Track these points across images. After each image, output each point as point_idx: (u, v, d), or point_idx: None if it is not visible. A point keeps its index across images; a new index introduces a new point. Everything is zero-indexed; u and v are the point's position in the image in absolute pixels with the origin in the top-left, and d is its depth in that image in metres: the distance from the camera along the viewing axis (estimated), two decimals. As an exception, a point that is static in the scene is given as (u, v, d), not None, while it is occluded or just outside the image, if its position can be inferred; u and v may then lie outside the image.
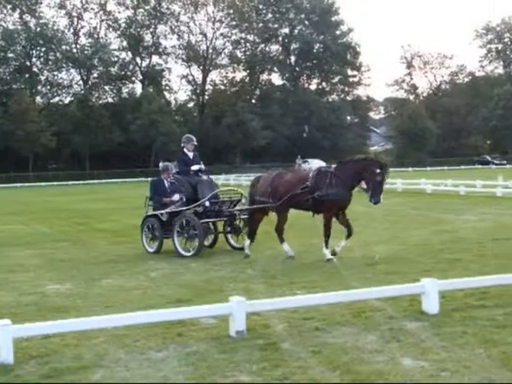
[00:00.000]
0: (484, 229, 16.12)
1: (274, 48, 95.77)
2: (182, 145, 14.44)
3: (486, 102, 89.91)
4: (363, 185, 12.18)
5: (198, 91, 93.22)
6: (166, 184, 14.10)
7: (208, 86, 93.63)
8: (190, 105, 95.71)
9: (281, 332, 7.10)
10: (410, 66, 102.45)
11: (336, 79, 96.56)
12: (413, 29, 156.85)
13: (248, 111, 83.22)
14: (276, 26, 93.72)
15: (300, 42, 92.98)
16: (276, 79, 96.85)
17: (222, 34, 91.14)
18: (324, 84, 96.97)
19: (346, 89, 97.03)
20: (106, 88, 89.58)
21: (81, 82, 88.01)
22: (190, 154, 14.30)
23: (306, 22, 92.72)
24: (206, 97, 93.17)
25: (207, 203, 13.47)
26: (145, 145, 79.50)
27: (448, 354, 6.16)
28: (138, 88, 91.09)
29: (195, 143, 14.39)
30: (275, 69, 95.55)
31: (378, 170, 11.83)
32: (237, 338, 6.77)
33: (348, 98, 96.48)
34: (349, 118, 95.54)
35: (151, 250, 13.88)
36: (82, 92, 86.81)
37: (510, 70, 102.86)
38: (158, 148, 78.68)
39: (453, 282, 8.25)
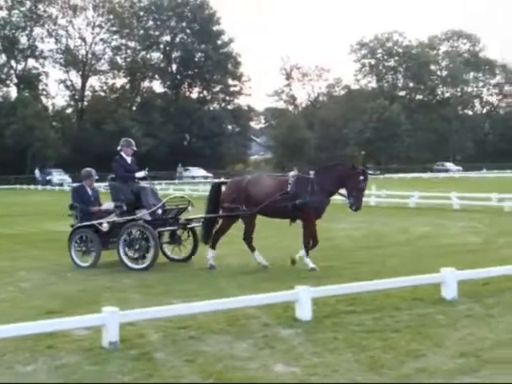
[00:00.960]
0: (358, 237, 16.68)
1: (156, 55, 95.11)
2: (120, 148, 13.20)
3: (361, 114, 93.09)
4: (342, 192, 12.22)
5: (76, 97, 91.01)
6: (89, 191, 13.27)
7: (87, 92, 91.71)
8: (69, 111, 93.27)
9: (155, 342, 7.04)
10: (289, 77, 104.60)
11: (217, 88, 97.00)
12: (292, 41, 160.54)
13: (129, 118, 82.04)
14: (157, 33, 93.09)
15: (181, 50, 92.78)
16: (157, 87, 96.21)
17: (101, 40, 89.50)
18: (205, 93, 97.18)
19: (227, 98, 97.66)
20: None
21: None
22: (128, 159, 13.15)
23: (188, 31, 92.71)
24: (86, 103, 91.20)
25: (160, 211, 12.58)
26: (20, 150, 76.57)
27: (319, 359, 6.32)
28: (13, 92, 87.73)
29: (135, 148, 13.37)
30: (156, 76, 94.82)
31: (362, 177, 11.85)
32: (110, 348, 6.65)
33: (229, 107, 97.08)
34: (230, 126, 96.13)
35: (84, 265, 12.56)
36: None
37: (383, 84, 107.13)
38: (34, 154, 76.16)
39: (325, 289, 8.46)
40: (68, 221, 13.56)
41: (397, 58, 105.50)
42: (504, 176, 60.94)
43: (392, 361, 6.21)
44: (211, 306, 7.66)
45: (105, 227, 12.66)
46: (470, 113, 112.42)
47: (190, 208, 13.20)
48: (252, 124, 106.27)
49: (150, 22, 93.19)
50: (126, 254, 12.42)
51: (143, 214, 12.48)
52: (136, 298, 9.58)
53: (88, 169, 13.72)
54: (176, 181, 65.06)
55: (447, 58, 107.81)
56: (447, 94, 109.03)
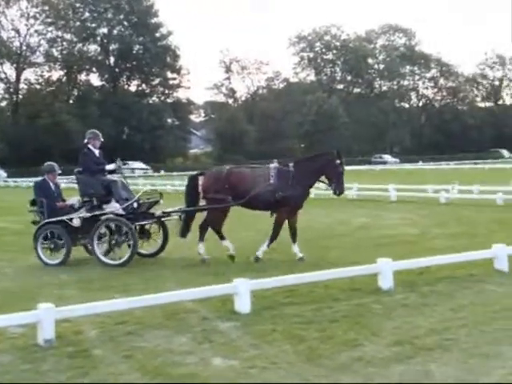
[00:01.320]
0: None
1: (93, 48, 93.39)
2: (86, 141, 12.78)
3: (300, 107, 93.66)
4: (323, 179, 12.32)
5: (11, 90, 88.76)
6: (52, 186, 12.71)
7: (22, 85, 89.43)
8: (3, 104, 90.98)
9: (93, 338, 6.95)
10: (228, 70, 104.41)
11: (156, 81, 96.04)
12: (231, 34, 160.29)
13: (65, 112, 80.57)
14: (94, 25, 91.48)
15: (119, 42, 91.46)
16: (95, 80, 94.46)
17: (36, 31, 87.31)
18: (144, 86, 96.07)
19: (167, 91, 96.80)
20: None
21: None
22: (96, 152, 12.76)
23: (125, 23, 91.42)
24: (21, 96, 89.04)
25: (135, 204, 12.27)
26: (-48, 145, 74.48)
27: (257, 351, 6.35)
28: None
29: (102, 139, 13.00)
30: (94, 69, 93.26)
31: (338, 161, 12.05)
32: (45, 346, 6.54)
33: (168, 101, 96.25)
34: (169, 120, 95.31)
35: (53, 262, 12.09)
36: None
37: (321, 77, 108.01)
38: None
39: (264, 281, 8.49)
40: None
41: (335, 51, 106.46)
42: (439, 168, 62.25)
43: (330, 351, 6.29)
44: (149, 301, 7.60)
45: (76, 223, 12.24)
46: (407, 106, 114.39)
47: (161, 201, 12.97)
48: (192, 117, 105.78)
49: (87, 14, 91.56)
50: (101, 250, 12.14)
51: (117, 208, 12.16)
52: (75, 294, 9.45)
53: (50, 162, 13.20)
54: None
55: (384, 51, 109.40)
56: (384, 88, 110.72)
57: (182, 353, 6.34)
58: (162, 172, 69.75)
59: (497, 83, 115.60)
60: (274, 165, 12.34)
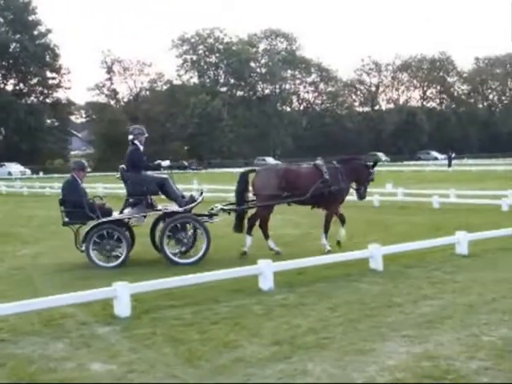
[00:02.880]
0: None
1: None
2: (132, 137, 12.11)
3: (183, 109, 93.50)
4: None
5: None
6: (81, 185, 11.81)
7: None
8: None
9: (-38, 347, 6.64)
10: (110, 71, 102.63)
11: (34, 81, 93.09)
12: (113, 34, 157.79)
13: None
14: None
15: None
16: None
17: None
18: (22, 85, 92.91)
19: (46, 91, 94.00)
20: None
21: None
22: (141, 148, 12.14)
23: (1, 20, 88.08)
24: None
25: (200, 199, 12.18)
26: None
27: (137, 355, 6.28)
28: None
29: (147, 134, 12.36)
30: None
31: (372, 170, 13.25)
32: None
33: (48, 101, 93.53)
34: (49, 121, 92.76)
35: (110, 265, 11.39)
36: None
37: (205, 80, 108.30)
38: None
39: (144, 284, 8.38)
40: None
41: (218, 54, 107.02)
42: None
43: (209, 352, 6.30)
44: (24, 307, 7.34)
45: (139, 221, 11.93)
46: (289, 109, 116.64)
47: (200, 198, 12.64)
48: (72, 118, 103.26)
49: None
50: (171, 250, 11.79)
51: (194, 205, 12.05)
52: None
53: (79, 159, 12.40)
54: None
55: (266, 55, 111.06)
56: (267, 91, 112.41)
57: (58, 359, 6.17)
58: (41, 174, 67.74)
59: (373, 89, 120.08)
60: (319, 162, 13.14)
